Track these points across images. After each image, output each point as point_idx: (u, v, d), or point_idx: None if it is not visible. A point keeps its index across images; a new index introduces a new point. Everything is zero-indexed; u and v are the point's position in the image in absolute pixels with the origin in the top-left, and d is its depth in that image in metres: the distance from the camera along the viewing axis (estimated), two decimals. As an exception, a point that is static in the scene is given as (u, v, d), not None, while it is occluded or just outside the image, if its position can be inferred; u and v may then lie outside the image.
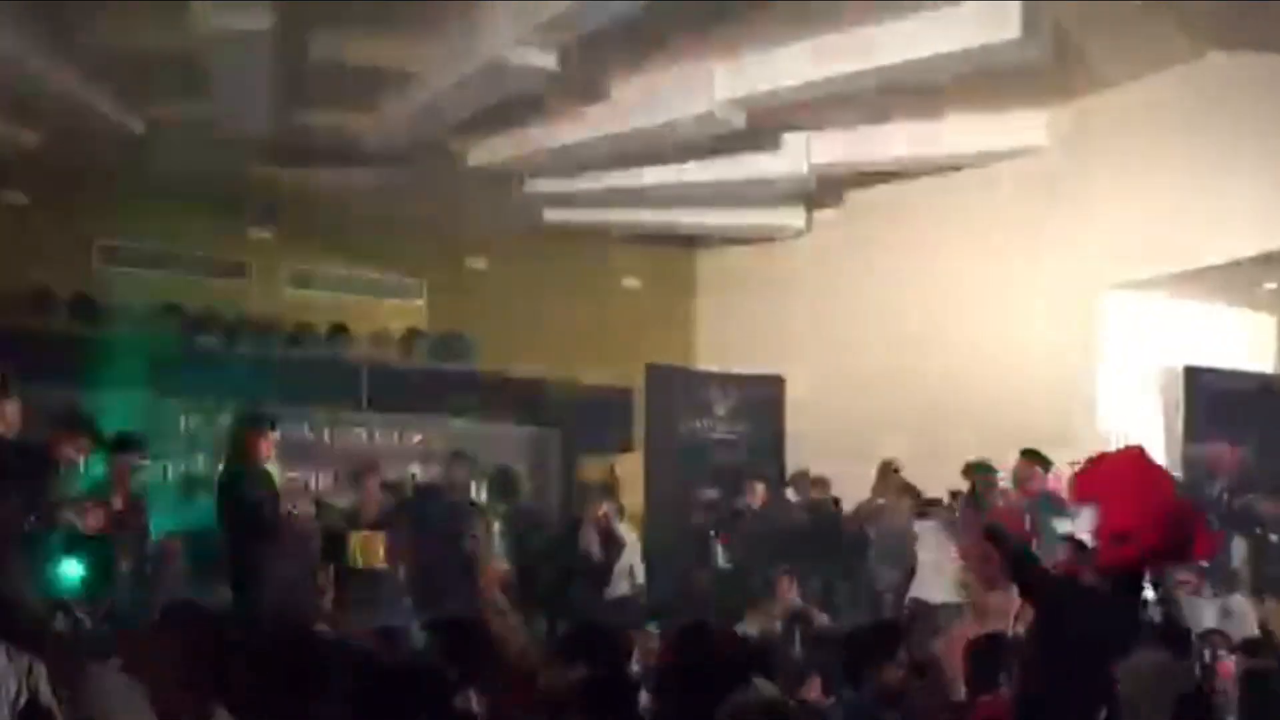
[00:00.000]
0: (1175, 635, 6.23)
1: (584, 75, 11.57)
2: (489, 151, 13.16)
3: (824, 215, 14.97)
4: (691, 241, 16.11)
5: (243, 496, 8.90)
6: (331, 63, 11.37)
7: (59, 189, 13.17)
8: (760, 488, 12.75)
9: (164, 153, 12.66)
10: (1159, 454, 11.37)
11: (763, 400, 14.75)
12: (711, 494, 13.38)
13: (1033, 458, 10.53)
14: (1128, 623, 5.62)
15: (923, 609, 10.39)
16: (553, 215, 14.76)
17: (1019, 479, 10.61)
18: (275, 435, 9.26)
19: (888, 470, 12.10)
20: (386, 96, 12.13)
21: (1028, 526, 9.15)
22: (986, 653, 6.28)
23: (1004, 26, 10.43)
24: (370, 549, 10.46)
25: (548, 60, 10.77)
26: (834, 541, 12.17)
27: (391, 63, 11.56)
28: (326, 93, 12.06)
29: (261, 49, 10.57)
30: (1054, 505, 9.70)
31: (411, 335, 14.64)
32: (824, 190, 14.22)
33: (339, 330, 14.19)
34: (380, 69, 11.64)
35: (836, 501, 12.67)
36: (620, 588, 11.79)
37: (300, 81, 11.62)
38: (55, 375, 11.04)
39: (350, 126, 12.62)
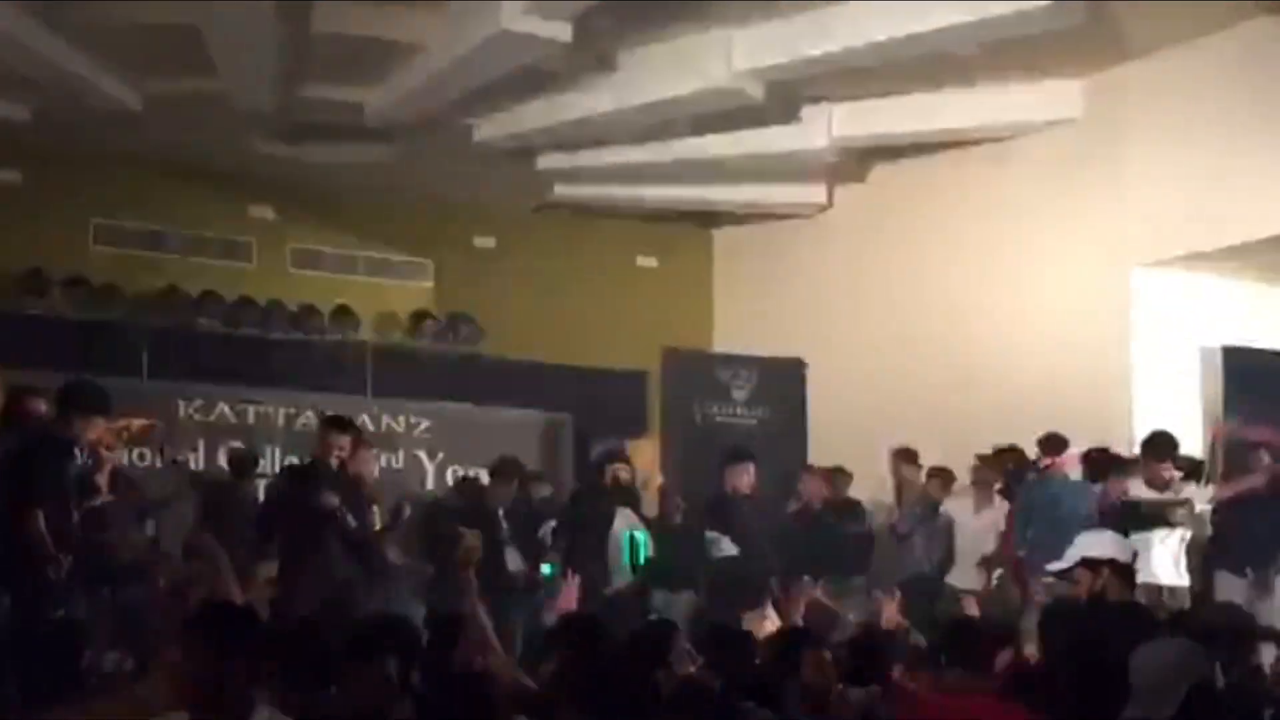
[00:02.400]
0: (1200, 627, 5.91)
1: (596, 46, 11.23)
2: (498, 125, 12.80)
3: (846, 190, 14.56)
4: (708, 218, 15.72)
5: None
6: (335, 35, 10.99)
7: (55, 167, 12.85)
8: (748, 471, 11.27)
9: (162, 129, 12.36)
10: (1196, 435, 11.15)
11: (783, 383, 14.39)
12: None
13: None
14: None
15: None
16: (564, 191, 14.40)
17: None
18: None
19: (903, 459, 11.78)
20: (393, 69, 11.75)
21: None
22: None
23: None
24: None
25: (559, 30, 10.40)
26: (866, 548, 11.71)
27: (398, 34, 11.18)
28: (330, 66, 11.68)
29: (262, 21, 10.24)
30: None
31: (419, 317, 14.30)
32: (846, 164, 13.86)
33: (343, 312, 13.86)
34: (386, 41, 11.26)
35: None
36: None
37: (303, 54, 11.24)
38: (50, 359, 10.82)
39: (355, 100, 12.24)
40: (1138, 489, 9.75)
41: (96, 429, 8.27)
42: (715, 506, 10.90)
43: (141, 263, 13.31)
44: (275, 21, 10.28)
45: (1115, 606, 6.10)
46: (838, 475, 12.06)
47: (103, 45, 11.21)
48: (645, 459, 13.41)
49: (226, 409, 12.70)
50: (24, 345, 11.39)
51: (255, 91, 11.71)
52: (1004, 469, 10.96)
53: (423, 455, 13.44)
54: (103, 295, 12.80)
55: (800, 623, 7.65)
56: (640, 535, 11.73)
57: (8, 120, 12.14)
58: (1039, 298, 12.72)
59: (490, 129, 12.83)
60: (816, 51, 11.13)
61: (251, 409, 13.36)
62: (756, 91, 11.67)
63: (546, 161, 13.65)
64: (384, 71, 11.80)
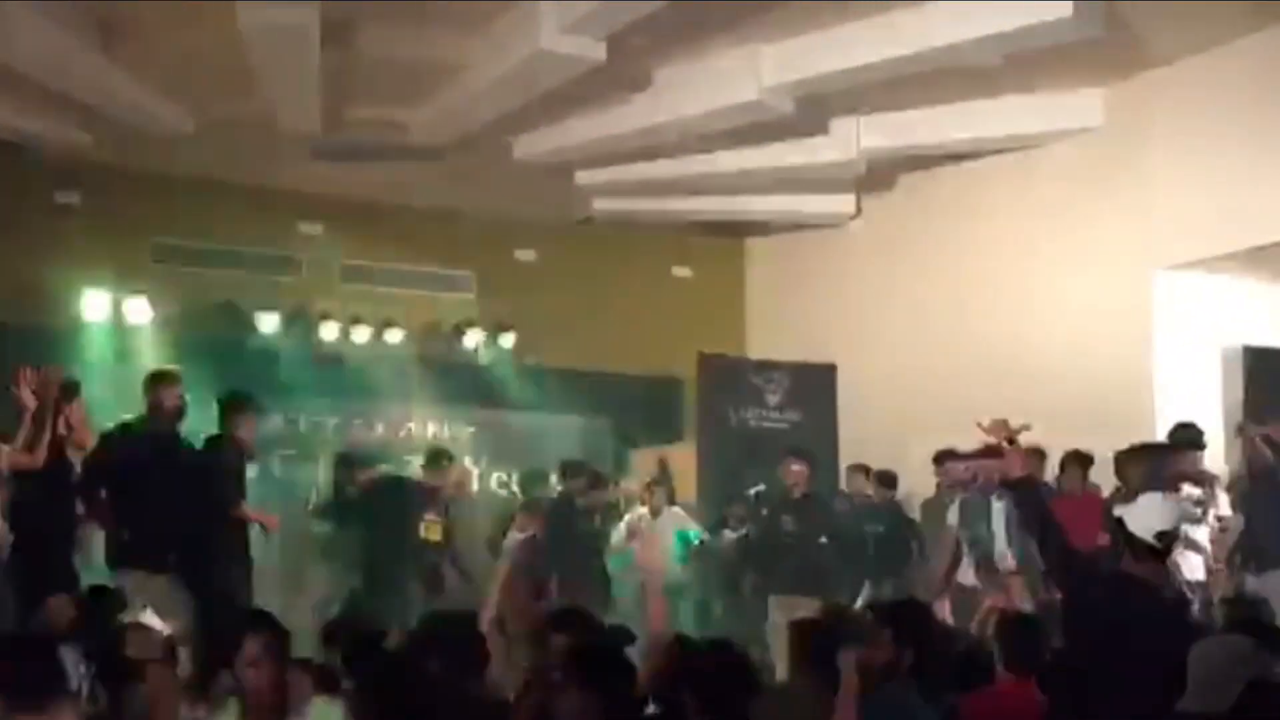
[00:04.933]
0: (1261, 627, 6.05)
1: (630, 64, 11.52)
2: (537, 143, 13.16)
3: (875, 199, 14.85)
4: (741, 229, 16.02)
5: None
6: (379, 57, 11.40)
7: (113, 188, 13.25)
8: (797, 468, 11.61)
9: (215, 150, 12.77)
10: (1218, 435, 11.31)
11: (815, 389, 14.60)
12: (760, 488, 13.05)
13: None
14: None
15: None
16: (602, 205, 14.75)
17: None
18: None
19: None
20: (435, 89, 12.12)
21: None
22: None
23: (1057, 4, 10.29)
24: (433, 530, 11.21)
25: (595, 49, 10.75)
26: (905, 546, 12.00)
27: (440, 56, 11.56)
28: (375, 87, 12.08)
29: (309, 46, 10.58)
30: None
31: (461, 328, 14.67)
32: (875, 175, 14.07)
33: (389, 324, 14.26)
34: (428, 62, 11.64)
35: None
36: None
37: (349, 76, 11.65)
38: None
39: (399, 119, 12.63)
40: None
41: (248, 429, 9.25)
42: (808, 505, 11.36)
43: (196, 279, 13.70)
44: (321, 46, 10.62)
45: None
46: (881, 476, 12.42)
47: (157, 72, 11.63)
48: (681, 462, 13.79)
49: (280, 419, 13.17)
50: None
51: (303, 113, 12.10)
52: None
53: (466, 461, 13.83)
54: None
55: None
56: (692, 534, 12.32)
57: (69, 144, 12.63)
58: (1064, 302, 12.93)
59: (529, 145, 13.19)
60: (843, 66, 11.39)
61: (303, 418, 13.86)
62: (786, 105, 11.96)
63: (584, 176, 14.01)
64: (427, 91, 12.17)
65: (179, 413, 8.85)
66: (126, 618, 6.73)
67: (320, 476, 12.80)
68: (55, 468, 8.25)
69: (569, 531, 11.60)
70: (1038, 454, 10.90)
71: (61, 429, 8.38)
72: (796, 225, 15.53)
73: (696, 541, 12.46)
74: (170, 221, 13.62)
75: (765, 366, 14.64)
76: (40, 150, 12.89)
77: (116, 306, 13.10)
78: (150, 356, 12.41)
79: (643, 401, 15.12)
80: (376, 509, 11.09)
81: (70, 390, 8.62)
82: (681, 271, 16.05)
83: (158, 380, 8.94)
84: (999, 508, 10.13)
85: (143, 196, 13.37)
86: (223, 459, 9.03)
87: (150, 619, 6.68)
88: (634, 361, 14.83)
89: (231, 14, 10.11)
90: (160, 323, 13.21)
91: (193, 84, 11.87)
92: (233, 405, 9.24)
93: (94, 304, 13.05)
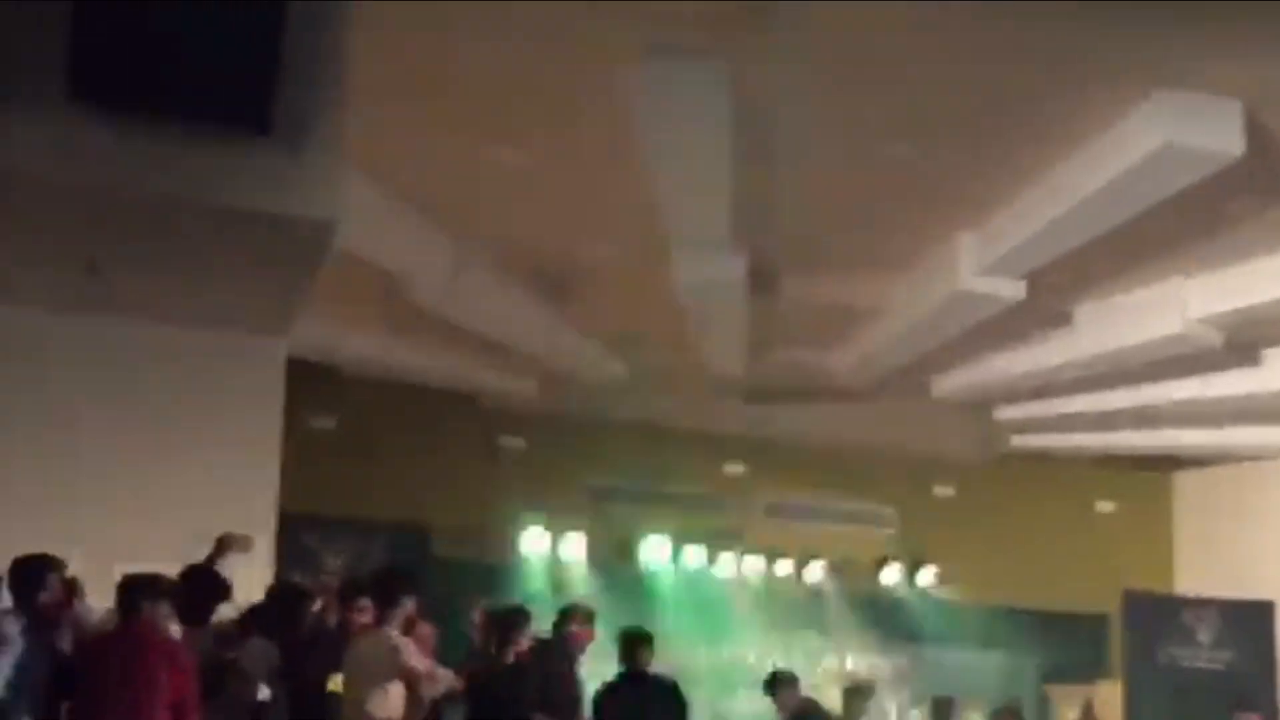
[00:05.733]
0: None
1: (1049, 299, 11.57)
2: (955, 380, 13.32)
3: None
4: (1168, 462, 15.66)
5: None
6: (803, 303, 11.90)
7: (554, 433, 14.18)
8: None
9: (645, 396, 13.59)
10: None
11: (1251, 627, 14.01)
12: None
13: None
14: None
15: None
16: (1021, 441, 14.72)
17: None
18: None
19: None
20: (855, 332, 12.53)
21: None
22: None
23: None
24: None
25: (1015, 289, 10.86)
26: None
27: (861, 300, 11.96)
28: (798, 331, 12.59)
29: (738, 296, 11.11)
30: None
31: (881, 562, 14.83)
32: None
33: (810, 558, 14.54)
34: (849, 306, 12.07)
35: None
36: None
37: (773, 322, 12.17)
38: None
39: (819, 362, 13.08)
40: None
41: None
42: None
43: (627, 516, 14.40)
44: (750, 297, 11.18)
45: None
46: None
47: (597, 325, 12.56)
48: (1109, 703, 13.38)
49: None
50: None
51: (730, 359, 12.66)
52: None
53: (884, 695, 13.83)
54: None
55: None
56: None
57: (514, 393, 13.68)
58: None
59: (948, 383, 13.35)
60: (1273, 297, 11.05)
61: (724, 650, 14.25)
62: (1214, 338, 11.65)
63: (1003, 412, 14.05)
64: (848, 334, 12.61)
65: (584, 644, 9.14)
66: None
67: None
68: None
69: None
70: None
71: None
72: (1227, 458, 15.07)
73: None
74: (604, 463, 14.39)
75: (1196, 603, 14.18)
76: (487, 398, 13.95)
77: (554, 543, 13.90)
78: (581, 590, 13.11)
79: (1066, 637, 14.79)
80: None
81: (522, 620, 9.18)
82: (1105, 506, 15.78)
83: (569, 614, 9.32)
84: None
85: (579, 440, 14.23)
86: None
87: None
88: (1055, 596, 14.60)
89: (666, 270, 10.76)
90: (592, 558, 13.90)
91: (629, 335, 12.69)
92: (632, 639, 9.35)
93: (533, 540, 13.89)
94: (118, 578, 6.81)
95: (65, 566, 6.87)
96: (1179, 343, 11.76)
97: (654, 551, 14.23)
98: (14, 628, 6.51)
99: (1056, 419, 14.06)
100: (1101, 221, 9.45)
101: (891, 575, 14.85)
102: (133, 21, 6.24)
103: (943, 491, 15.37)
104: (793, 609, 14.35)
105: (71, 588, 7.11)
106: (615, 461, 14.35)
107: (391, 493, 13.05)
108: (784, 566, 14.51)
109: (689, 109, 8.21)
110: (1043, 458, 15.20)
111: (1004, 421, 14.22)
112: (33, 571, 6.67)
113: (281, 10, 6.41)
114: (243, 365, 10.34)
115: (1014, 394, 13.61)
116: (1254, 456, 14.82)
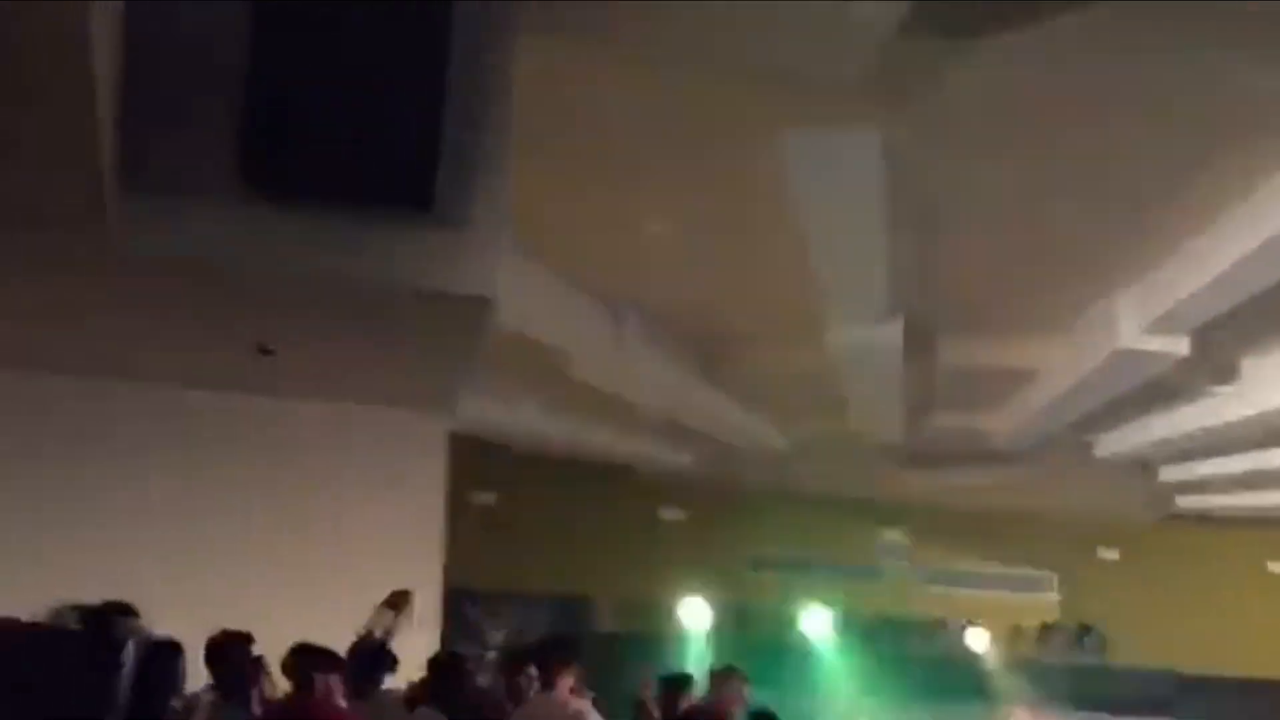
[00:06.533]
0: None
1: (1214, 355, 11.31)
2: (1118, 440, 13.09)
3: None
4: (1341, 522, 15.16)
5: None
6: (960, 367, 11.75)
7: (713, 504, 14.22)
8: None
9: (804, 466, 13.55)
10: None
11: None
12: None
13: None
14: None
15: None
16: (1186, 501, 14.40)
17: None
18: None
19: None
20: (1014, 394, 12.39)
21: None
22: None
23: None
24: None
25: (1178, 345, 10.67)
26: None
27: (1018, 362, 11.80)
28: (955, 395, 12.48)
29: (894, 363, 11.06)
30: None
31: (1045, 629, 14.58)
32: None
33: (971, 625, 14.35)
34: (1007, 369, 11.91)
35: None
36: None
37: (930, 388, 12.11)
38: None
39: (978, 426, 12.96)
40: None
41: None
42: None
43: (787, 585, 14.34)
44: (907, 362, 11.10)
45: None
46: None
47: (753, 395, 12.53)
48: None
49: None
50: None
51: (886, 426, 12.64)
52: None
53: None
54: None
55: None
56: None
57: (675, 466, 13.74)
58: None
59: (1110, 444, 13.14)
60: None
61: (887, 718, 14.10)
62: (1388, 393, 11.41)
63: (1168, 473, 13.79)
64: (1007, 396, 12.47)
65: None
66: None
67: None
68: None
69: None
70: None
71: None
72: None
73: None
74: (763, 532, 14.41)
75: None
76: (646, 469, 14.04)
77: (716, 613, 13.90)
78: (738, 658, 13.04)
79: (1239, 702, 14.39)
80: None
81: (686, 685, 9.24)
82: (1276, 567, 15.34)
83: (722, 676, 9.41)
84: None
85: (739, 510, 14.28)
86: None
87: None
88: (1227, 661, 14.25)
89: (821, 336, 10.77)
90: (752, 626, 13.87)
91: (785, 405, 12.69)
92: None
93: (694, 611, 13.90)
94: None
95: (253, 642, 7.12)
96: (1351, 397, 11.47)
97: (814, 620, 14.13)
98: (209, 696, 6.79)
99: (1223, 478, 13.72)
100: (1266, 276, 9.23)
101: (1056, 640, 14.52)
102: (298, 109, 6.42)
103: (1107, 554, 15.08)
104: (956, 676, 14.11)
105: (258, 663, 7.34)
106: (775, 531, 14.36)
107: (552, 565, 13.18)
108: (946, 634, 14.28)
109: (843, 177, 8.22)
110: (1210, 518, 14.85)
111: (1169, 482, 13.93)
112: (227, 650, 6.96)
113: (441, 86, 6.51)
114: (408, 442, 10.54)
115: (1179, 454, 13.36)
116: None
